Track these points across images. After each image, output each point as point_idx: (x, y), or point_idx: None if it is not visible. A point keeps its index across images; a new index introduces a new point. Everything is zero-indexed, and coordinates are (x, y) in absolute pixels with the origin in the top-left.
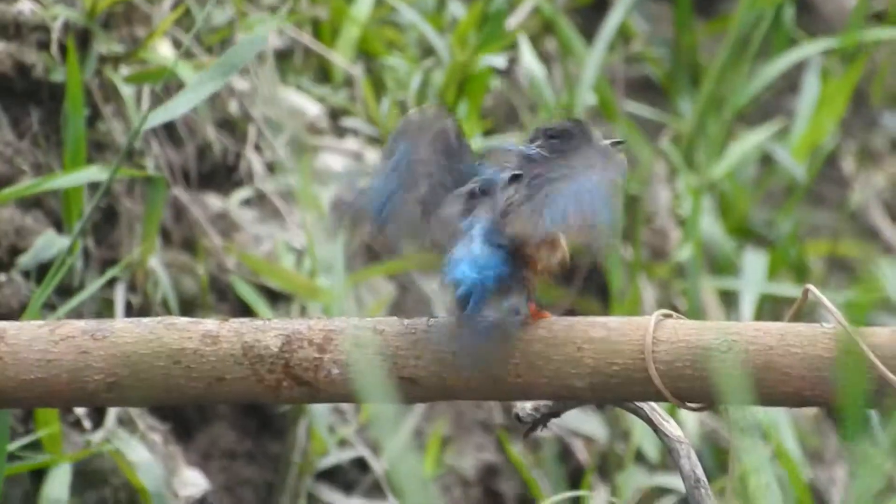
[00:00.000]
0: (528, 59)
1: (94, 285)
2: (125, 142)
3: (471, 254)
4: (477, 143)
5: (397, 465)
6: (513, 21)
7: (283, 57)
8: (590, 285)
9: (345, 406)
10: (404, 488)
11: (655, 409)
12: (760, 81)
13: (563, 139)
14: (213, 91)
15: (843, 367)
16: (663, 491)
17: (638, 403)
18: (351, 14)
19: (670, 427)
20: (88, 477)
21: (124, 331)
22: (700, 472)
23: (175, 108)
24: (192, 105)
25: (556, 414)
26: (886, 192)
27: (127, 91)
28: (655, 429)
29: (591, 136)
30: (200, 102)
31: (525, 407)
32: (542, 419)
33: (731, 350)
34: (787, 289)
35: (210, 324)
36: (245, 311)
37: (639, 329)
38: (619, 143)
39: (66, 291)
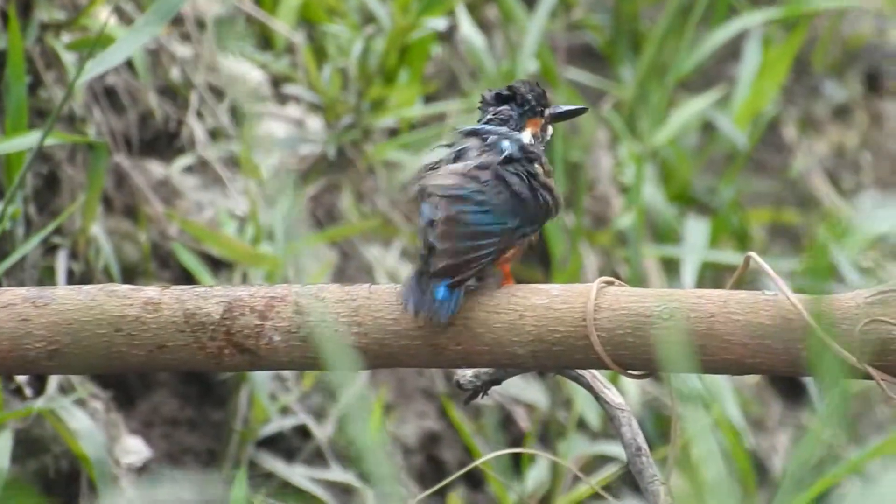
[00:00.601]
0: (467, 28)
1: (30, 244)
2: (64, 96)
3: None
4: (418, 109)
5: (357, 435)
6: None
7: (226, 24)
8: (531, 252)
9: (286, 374)
10: (363, 457)
11: (596, 377)
12: (703, 50)
13: (512, 101)
14: (148, 38)
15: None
16: (605, 459)
17: (579, 371)
18: None
19: (611, 395)
20: (29, 445)
21: (66, 298)
22: (641, 439)
23: (111, 58)
24: (128, 54)
25: (497, 381)
26: (828, 160)
27: (68, 58)
28: (596, 396)
29: (543, 99)
30: (136, 50)
31: (466, 374)
32: (483, 386)
33: (673, 317)
34: (728, 256)
35: (151, 291)
36: (187, 278)
37: (581, 296)
38: (581, 110)
39: (7, 260)
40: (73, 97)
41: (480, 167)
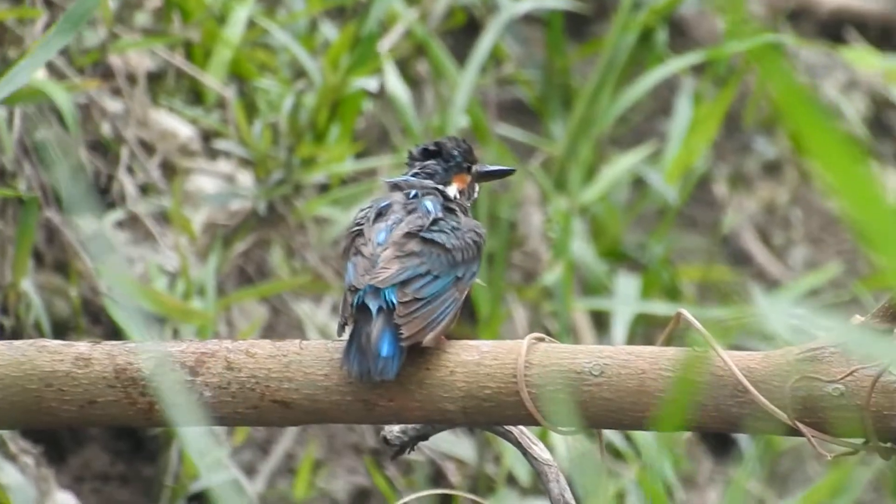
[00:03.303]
0: (394, 84)
1: None
2: None
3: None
4: (349, 165)
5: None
6: (385, 43)
7: (156, 79)
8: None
9: (217, 429)
10: None
11: (524, 433)
12: (627, 100)
13: (439, 156)
14: (60, 47)
15: (682, 383)
16: None
17: (507, 427)
18: (223, 36)
19: (539, 450)
20: None
21: None
22: (569, 495)
23: (24, 72)
24: (40, 64)
25: (425, 437)
26: (758, 216)
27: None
28: (524, 452)
29: (470, 155)
30: (49, 58)
31: (393, 430)
32: (410, 442)
33: (604, 374)
34: (658, 307)
35: (82, 346)
36: (118, 333)
37: (511, 352)
38: (508, 171)
39: None
40: (4, 151)
41: (409, 236)
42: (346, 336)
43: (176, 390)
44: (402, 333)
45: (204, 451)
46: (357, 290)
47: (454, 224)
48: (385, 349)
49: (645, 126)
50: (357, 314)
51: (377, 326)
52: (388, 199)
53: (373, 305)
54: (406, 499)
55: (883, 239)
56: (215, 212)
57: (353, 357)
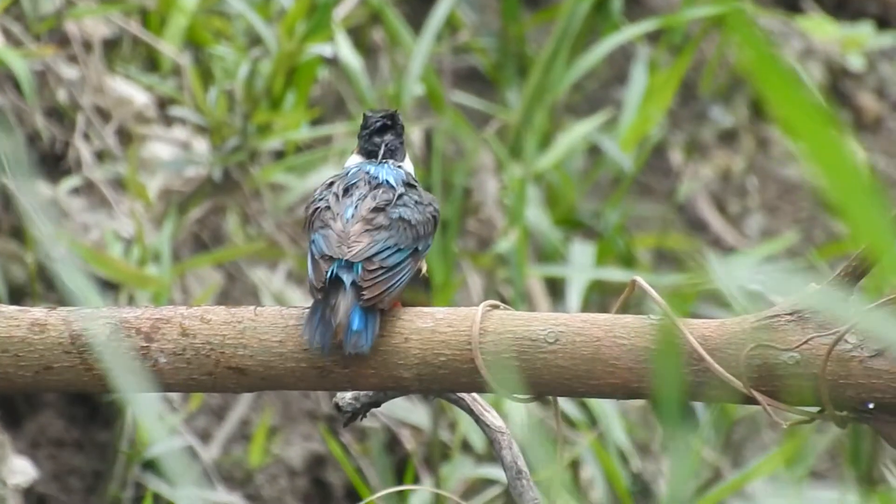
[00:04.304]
0: (346, 52)
1: None
2: None
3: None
4: (304, 132)
5: None
6: (340, 11)
7: (112, 46)
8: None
9: (172, 395)
10: None
11: (477, 400)
12: (582, 68)
13: (393, 130)
14: None
15: (661, 356)
16: (489, 481)
17: (460, 394)
18: (179, 3)
19: (491, 417)
20: None
21: None
22: (522, 462)
23: None
24: None
25: (377, 404)
26: (714, 184)
27: None
28: (476, 419)
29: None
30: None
31: (345, 397)
32: (363, 409)
33: (558, 341)
34: (612, 274)
35: (38, 312)
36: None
37: (466, 320)
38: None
39: None
40: None
41: (376, 211)
42: (306, 305)
43: (121, 357)
44: (363, 295)
45: (155, 418)
46: (332, 259)
47: (416, 199)
48: (356, 322)
49: (600, 94)
50: (328, 286)
51: (348, 300)
52: (355, 178)
53: (346, 279)
54: (376, 495)
55: (852, 203)
56: (171, 178)
57: (315, 328)
